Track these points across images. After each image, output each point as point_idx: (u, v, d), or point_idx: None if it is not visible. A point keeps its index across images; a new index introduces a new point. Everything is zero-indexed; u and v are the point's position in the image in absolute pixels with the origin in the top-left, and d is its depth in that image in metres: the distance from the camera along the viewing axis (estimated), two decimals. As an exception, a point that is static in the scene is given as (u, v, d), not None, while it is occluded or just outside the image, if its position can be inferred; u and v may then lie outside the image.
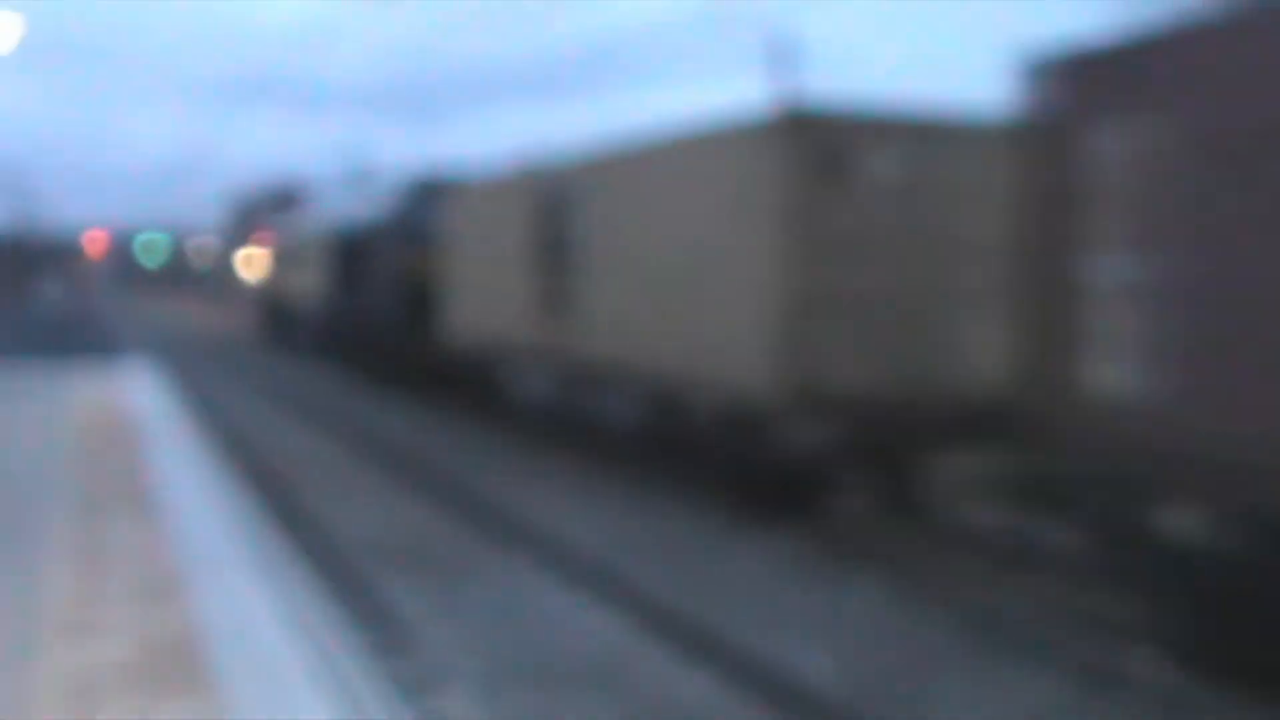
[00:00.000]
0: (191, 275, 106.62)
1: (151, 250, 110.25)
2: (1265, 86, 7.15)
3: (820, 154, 10.97)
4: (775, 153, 11.09)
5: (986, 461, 10.39)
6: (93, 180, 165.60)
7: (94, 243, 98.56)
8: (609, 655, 8.11)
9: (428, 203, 22.43)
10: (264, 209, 76.22)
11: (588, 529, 11.72)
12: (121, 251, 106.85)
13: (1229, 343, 7.35)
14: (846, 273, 11.06)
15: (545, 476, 14.60)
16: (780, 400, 11.02)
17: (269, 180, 76.22)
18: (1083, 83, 8.33)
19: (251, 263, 63.77)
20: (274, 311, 40.00)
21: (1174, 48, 7.76)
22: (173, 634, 5.76)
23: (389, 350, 24.03)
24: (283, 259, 39.01)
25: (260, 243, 53.43)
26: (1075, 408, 8.26)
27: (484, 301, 19.04)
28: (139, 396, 16.01)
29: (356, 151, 46.12)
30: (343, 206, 33.37)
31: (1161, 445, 7.67)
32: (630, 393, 14.11)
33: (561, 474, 14.80)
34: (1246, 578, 7.35)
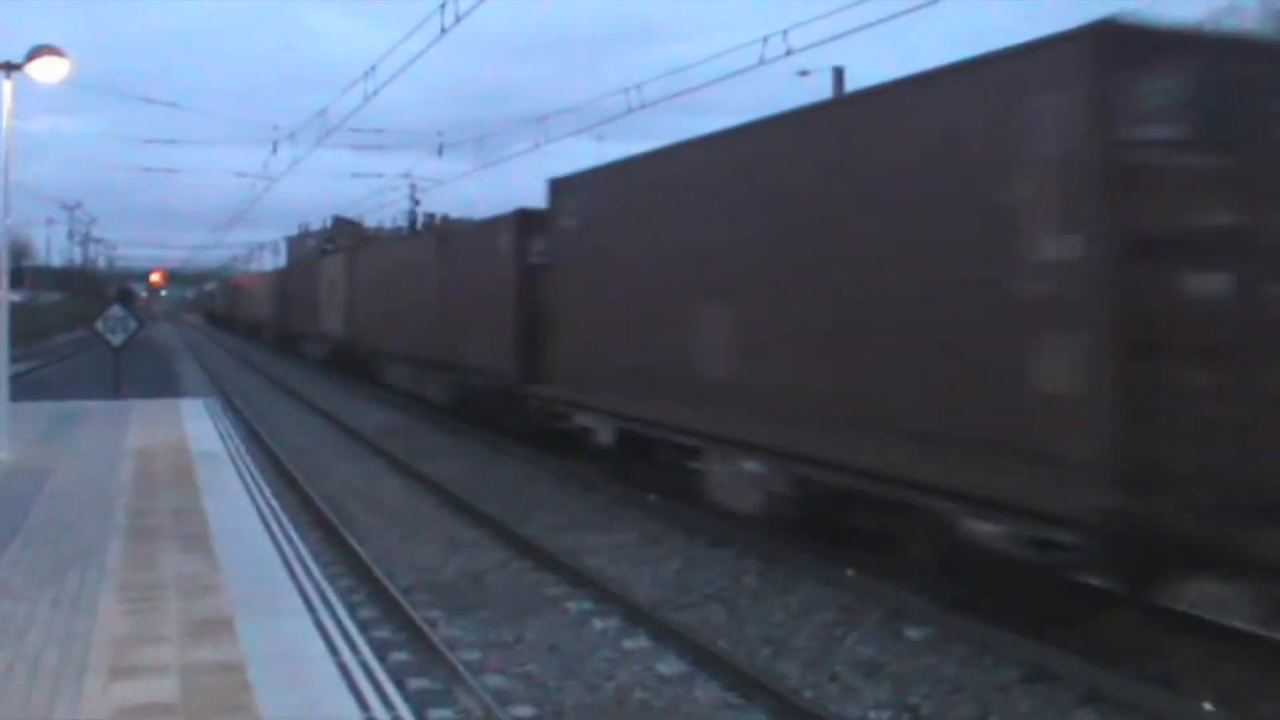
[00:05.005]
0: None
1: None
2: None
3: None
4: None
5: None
6: (160, 219, 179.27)
7: (156, 279, 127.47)
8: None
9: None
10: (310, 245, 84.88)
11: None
12: (174, 282, 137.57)
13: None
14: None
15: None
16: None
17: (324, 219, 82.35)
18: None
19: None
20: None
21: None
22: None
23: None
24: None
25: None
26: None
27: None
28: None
29: (414, 189, 52.42)
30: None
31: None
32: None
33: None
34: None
